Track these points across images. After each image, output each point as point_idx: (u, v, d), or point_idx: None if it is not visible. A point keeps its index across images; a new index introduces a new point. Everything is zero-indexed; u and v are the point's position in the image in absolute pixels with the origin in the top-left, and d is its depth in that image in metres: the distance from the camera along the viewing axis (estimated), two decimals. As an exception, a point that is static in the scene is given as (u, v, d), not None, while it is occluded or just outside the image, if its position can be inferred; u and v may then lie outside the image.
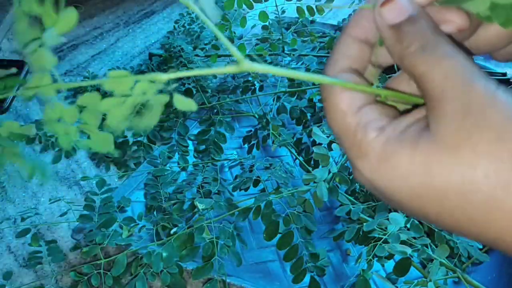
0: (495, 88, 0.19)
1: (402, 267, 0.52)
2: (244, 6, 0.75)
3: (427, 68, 0.20)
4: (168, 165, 0.72)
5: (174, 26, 1.04)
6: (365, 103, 0.22)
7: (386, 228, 0.53)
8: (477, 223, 0.20)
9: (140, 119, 0.20)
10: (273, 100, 0.79)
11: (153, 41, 1.02)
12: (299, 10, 0.80)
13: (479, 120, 0.18)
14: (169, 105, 0.76)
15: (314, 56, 0.81)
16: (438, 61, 0.20)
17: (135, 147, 0.78)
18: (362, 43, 0.24)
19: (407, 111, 0.23)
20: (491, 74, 0.81)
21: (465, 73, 0.20)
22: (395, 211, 0.55)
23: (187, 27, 1.00)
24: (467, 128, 0.19)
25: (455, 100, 0.19)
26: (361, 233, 0.56)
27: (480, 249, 0.58)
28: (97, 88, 0.86)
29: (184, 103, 0.20)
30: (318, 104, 0.77)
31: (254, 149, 0.77)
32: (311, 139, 0.73)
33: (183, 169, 0.74)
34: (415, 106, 0.23)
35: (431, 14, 0.23)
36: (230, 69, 0.21)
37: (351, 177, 0.65)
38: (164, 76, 0.20)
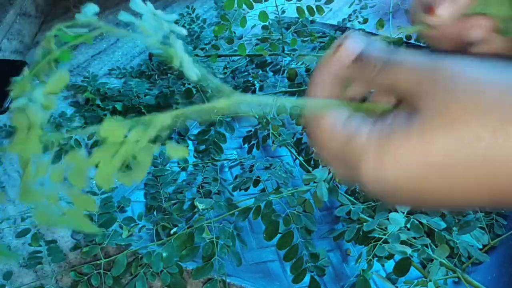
0: (458, 60, 0.21)
1: (402, 267, 0.52)
2: (244, 6, 0.75)
3: (395, 75, 0.22)
4: (168, 165, 0.72)
5: (174, 26, 1.03)
6: (347, 115, 0.24)
7: (386, 228, 0.53)
8: (488, 180, 0.20)
9: (128, 174, 0.20)
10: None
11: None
12: (299, 10, 0.80)
13: (454, 90, 0.20)
14: (169, 105, 0.76)
15: (314, 56, 0.81)
16: (401, 64, 0.22)
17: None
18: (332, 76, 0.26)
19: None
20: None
21: (427, 63, 0.22)
22: (395, 210, 0.55)
23: (187, 27, 1.00)
24: (445, 98, 0.20)
25: (427, 82, 0.21)
26: (361, 233, 0.56)
27: (480, 249, 0.58)
28: (97, 88, 0.86)
29: (176, 151, 0.20)
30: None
31: (254, 149, 0.77)
32: (311, 139, 0.73)
33: (183, 169, 0.74)
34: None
35: (455, 26, 0.25)
36: (221, 104, 0.21)
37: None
38: (160, 120, 0.20)
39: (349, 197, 0.60)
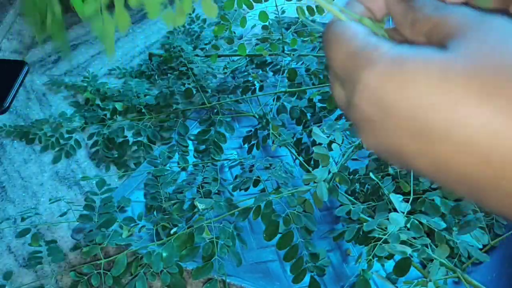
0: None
1: (402, 267, 0.52)
2: (244, 6, 0.75)
3: (445, 14, 0.20)
4: (168, 165, 0.72)
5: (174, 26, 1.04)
6: (373, 32, 0.22)
7: (386, 228, 0.53)
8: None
9: (171, 13, 0.21)
10: (273, 100, 0.79)
11: (153, 41, 1.02)
12: (299, 10, 0.80)
13: (497, 46, 0.18)
14: (169, 105, 0.76)
15: (314, 56, 0.81)
16: (450, 12, 0.21)
17: (135, 147, 0.78)
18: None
19: None
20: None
21: (477, 14, 0.20)
22: (395, 210, 0.55)
23: (187, 27, 1.00)
24: (483, 51, 0.18)
25: (472, 28, 0.19)
26: (361, 233, 0.56)
27: (480, 249, 0.58)
28: (97, 88, 0.86)
29: (210, 8, 0.20)
30: (318, 104, 0.77)
31: (254, 149, 0.77)
32: (311, 139, 0.73)
33: (183, 169, 0.74)
34: None
35: None
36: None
37: (351, 177, 0.65)
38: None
39: (349, 197, 0.60)
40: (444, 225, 0.56)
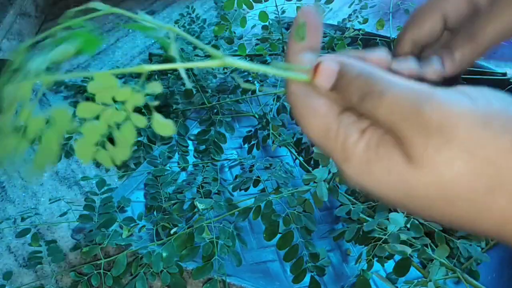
0: (445, 99, 0.20)
1: (402, 267, 0.52)
2: (244, 6, 0.75)
3: (375, 110, 0.21)
4: (168, 165, 0.72)
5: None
6: (342, 109, 0.23)
7: (386, 228, 0.53)
8: (466, 217, 0.21)
9: (110, 151, 0.19)
10: (273, 100, 0.79)
11: (153, 41, 1.02)
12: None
13: (439, 141, 0.20)
14: (169, 105, 0.76)
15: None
16: (380, 99, 0.21)
17: (135, 147, 0.78)
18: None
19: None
20: (491, 74, 0.81)
21: (409, 102, 0.21)
22: (395, 210, 0.55)
23: (187, 27, 1.00)
24: (431, 149, 0.20)
25: (410, 128, 0.20)
26: (361, 233, 0.56)
27: (481, 249, 0.58)
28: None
29: (162, 126, 0.19)
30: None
31: (254, 149, 0.77)
32: (311, 139, 0.73)
33: (183, 169, 0.74)
34: None
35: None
36: (213, 63, 0.21)
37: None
38: (146, 68, 0.19)
39: (349, 197, 0.60)
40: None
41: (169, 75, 0.90)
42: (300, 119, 0.24)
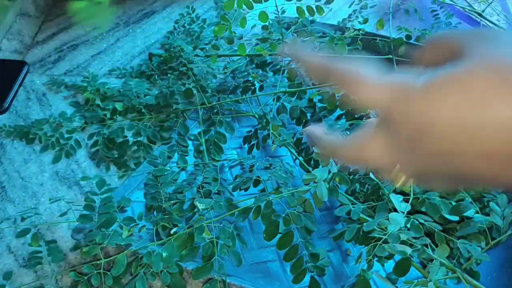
0: None
1: (402, 267, 0.52)
2: (244, 6, 0.75)
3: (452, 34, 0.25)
4: (168, 165, 0.72)
5: (174, 26, 1.04)
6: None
7: (386, 228, 0.53)
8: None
9: None
10: (273, 100, 0.79)
11: (153, 41, 1.02)
12: (299, 10, 0.80)
13: (500, 46, 0.21)
14: (169, 105, 0.76)
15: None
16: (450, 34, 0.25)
17: (135, 147, 0.78)
18: None
19: None
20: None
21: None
22: (395, 210, 0.55)
23: (187, 27, 1.00)
24: (492, 51, 0.21)
25: (476, 37, 0.23)
26: (361, 233, 0.56)
27: (481, 249, 0.58)
28: (97, 88, 0.86)
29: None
30: (318, 104, 0.77)
31: (254, 149, 0.77)
32: (311, 139, 0.73)
33: (183, 169, 0.74)
34: None
35: None
36: None
37: (351, 177, 0.65)
38: None
39: (349, 197, 0.60)
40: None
41: (169, 75, 0.90)
42: (348, 78, 0.28)
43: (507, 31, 0.25)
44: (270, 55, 0.84)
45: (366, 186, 0.65)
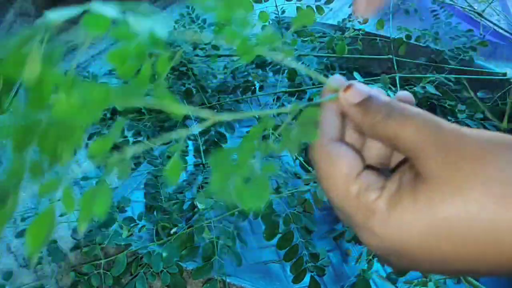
0: (460, 127, 0.22)
1: (402, 267, 0.52)
2: (244, 6, 0.74)
3: (399, 128, 0.23)
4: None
5: (174, 26, 1.03)
6: (361, 169, 0.24)
7: (386, 228, 0.53)
8: (488, 250, 0.21)
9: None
10: (273, 100, 0.79)
11: (153, 41, 1.02)
12: (299, 10, 0.80)
13: (458, 156, 0.21)
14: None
15: (314, 56, 0.81)
16: (406, 119, 0.23)
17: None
18: (340, 116, 0.27)
19: (392, 170, 0.26)
20: (491, 74, 0.81)
21: (432, 123, 0.22)
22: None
23: (187, 27, 1.00)
24: (450, 164, 0.21)
25: (432, 145, 0.21)
26: (361, 233, 0.56)
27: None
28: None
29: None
30: (318, 104, 0.77)
31: (254, 149, 0.77)
32: (311, 139, 0.73)
33: (183, 169, 0.74)
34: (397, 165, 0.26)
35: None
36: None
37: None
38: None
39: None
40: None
41: (169, 75, 0.90)
42: (323, 181, 0.25)
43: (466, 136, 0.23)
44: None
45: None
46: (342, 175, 0.24)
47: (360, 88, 0.25)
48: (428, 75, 0.76)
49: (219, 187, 0.20)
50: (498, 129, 0.68)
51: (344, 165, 0.24)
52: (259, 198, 0.20)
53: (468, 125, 0.67)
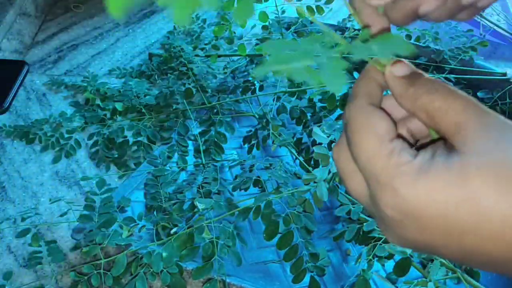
0: (505, 117, 0.22)
1: (402, 267, 0.52)
2: (244, 6, 0.74)
3: (445, 102, 0.23)
4: (168, 165, 0.72)
5: (174, 26, 1.03)
6: (395, 136, 0.24)
7: (386, 228, 0.53)
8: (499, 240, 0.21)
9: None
10: (273, 100, 0.79)
11: (153, 41, 1.02)
12: (299, 10, 0.80)
13: (500, 137, 0.21)
14: (169, 105, 0.76)
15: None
16: (454, 96, 0.23)
17: (135, 147, 0.78)
18: (380, 88, 0.27)
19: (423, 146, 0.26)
20: (491, 74, 0.81)
21: (478, 105, 0.23)
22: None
23: (187, 27, 1.00)
24: (491, 143, 0.21)
25: (477, 123, 0.22)
26: (361, 233, 0.56)
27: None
28: (97, 88, 0.86)
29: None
30: (318, 104, 0.77)
31: (254, 149, 0.77)
32: (311, 139, 0.73)
33: (183, 169, 0.74)
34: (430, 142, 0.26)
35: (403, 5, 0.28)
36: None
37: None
38: None
39: (349, 197, 0.60)
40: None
41: (169, 75, 0.90)
42: (354, 135, 0.25)
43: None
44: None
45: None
46: (377, 134, 0.24)
47: (405, 63, 0.26)
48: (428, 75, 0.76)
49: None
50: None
51: (381, 127, 0.24)
52: (340, 78, 0.20)
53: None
